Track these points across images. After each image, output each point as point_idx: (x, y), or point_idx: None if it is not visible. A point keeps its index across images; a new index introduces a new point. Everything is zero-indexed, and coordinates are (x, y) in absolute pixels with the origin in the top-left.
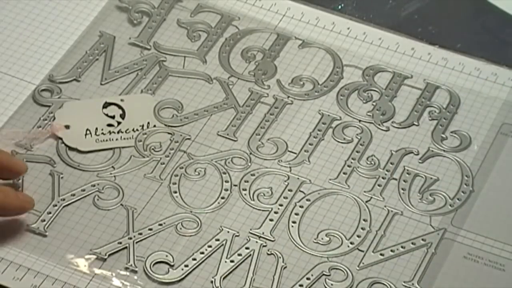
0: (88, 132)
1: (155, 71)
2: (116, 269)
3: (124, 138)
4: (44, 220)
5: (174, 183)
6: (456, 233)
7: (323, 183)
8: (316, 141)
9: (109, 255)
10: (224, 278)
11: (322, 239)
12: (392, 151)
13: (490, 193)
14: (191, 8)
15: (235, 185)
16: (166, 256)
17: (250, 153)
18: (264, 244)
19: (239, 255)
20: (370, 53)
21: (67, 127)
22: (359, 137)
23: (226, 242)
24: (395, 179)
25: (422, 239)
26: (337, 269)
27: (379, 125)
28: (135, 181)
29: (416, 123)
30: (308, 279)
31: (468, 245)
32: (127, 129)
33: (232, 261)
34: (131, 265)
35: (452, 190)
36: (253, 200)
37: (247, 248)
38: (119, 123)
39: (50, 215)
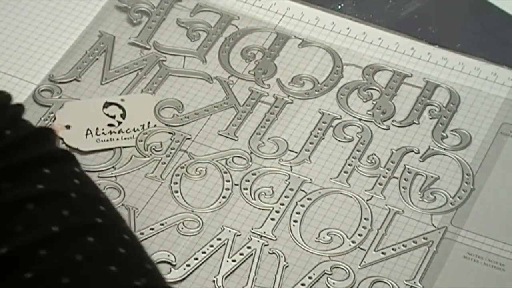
0: (88, 132)
1: (155, 70)
2: None
3: (125, 138)
4: None
5: (175, 183)
6: (456, 233)
7: (324, 182)
8: (316, 140)
9: None
10: (226, 278)
11: (324, 238)
12: (392, 150)
13: (489, 193)
14: (190, 8)
15: (236, 185)
16: (168, 256)
17: (251, 153)
18: (266, 243)
19: (241, 254)
20: (370, 53)
21: (67, 127)
22: (359, 136)
23: (227, 242)
24: (396, 178)
25: (424, 237)
26: (338, 268)
27: (379, 124)
28: (136, 181)
29: (416, 122)
30: (310, 278)
31: (468, 245)
32: (128, 129)
33: (233, 261)
34: None
35: (453, 189)
36: (254, 199)
37: (248, 248)
38: (119, 123)
39: None
